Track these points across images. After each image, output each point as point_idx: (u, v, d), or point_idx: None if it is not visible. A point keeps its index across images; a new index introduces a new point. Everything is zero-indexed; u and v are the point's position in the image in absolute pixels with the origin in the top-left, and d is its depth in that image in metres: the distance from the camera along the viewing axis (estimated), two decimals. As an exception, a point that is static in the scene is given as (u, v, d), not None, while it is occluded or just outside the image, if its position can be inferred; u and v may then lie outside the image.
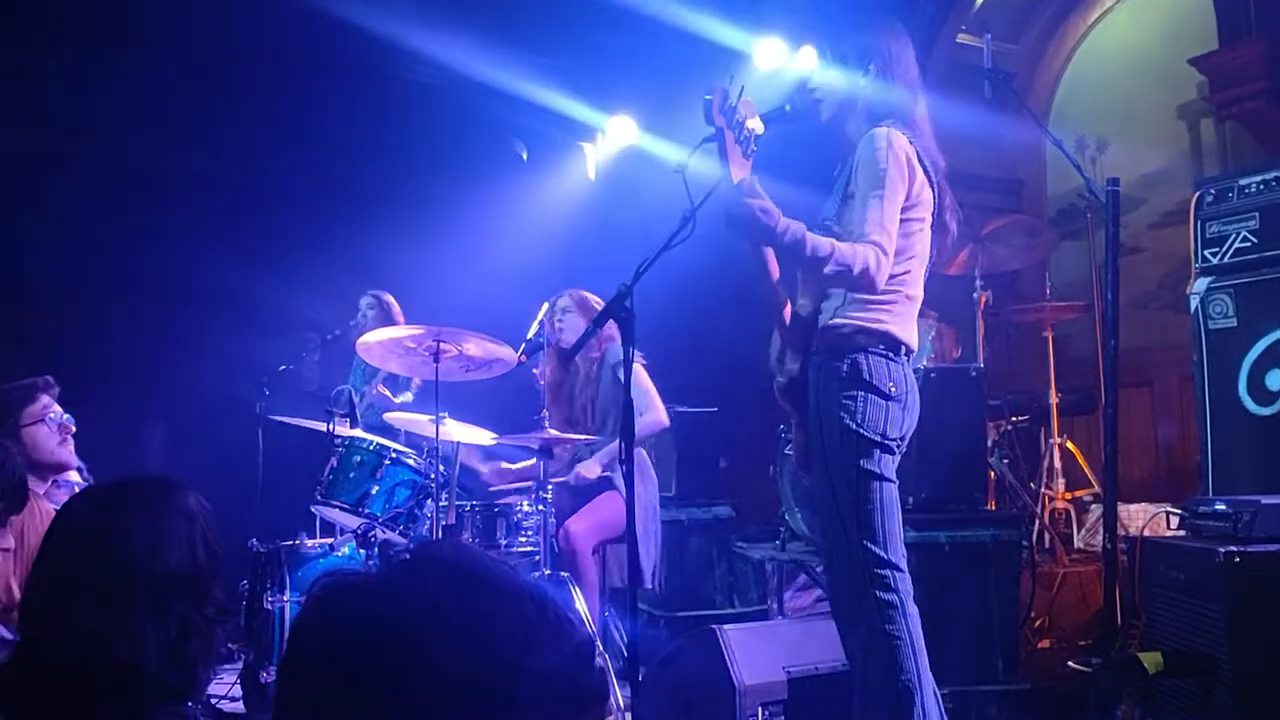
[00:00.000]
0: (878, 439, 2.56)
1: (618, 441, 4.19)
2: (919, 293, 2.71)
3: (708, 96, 2.44)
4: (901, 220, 2.59)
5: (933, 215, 2.69)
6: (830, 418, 2.59)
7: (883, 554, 2.53)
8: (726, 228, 2.49)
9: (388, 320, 5.27)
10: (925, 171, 2.65)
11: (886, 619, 2.51)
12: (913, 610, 2.55)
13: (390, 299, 5.52)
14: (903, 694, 2.47)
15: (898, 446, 2.62)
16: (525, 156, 6.92)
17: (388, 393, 5.27)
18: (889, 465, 2.59)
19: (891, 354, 2.62)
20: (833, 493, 2.60)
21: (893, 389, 2.59)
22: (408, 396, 5.26)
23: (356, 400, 4.43)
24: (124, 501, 1.52)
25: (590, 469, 4.33)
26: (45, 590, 1.49)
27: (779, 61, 5.59)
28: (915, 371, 2.93)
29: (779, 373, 2.79)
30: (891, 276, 2.58)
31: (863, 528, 2.54)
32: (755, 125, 2.55)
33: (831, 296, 2.69)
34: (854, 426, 2.55)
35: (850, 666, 2.67)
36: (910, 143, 2.62)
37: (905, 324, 2.66)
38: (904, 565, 2.57)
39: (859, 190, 2.60)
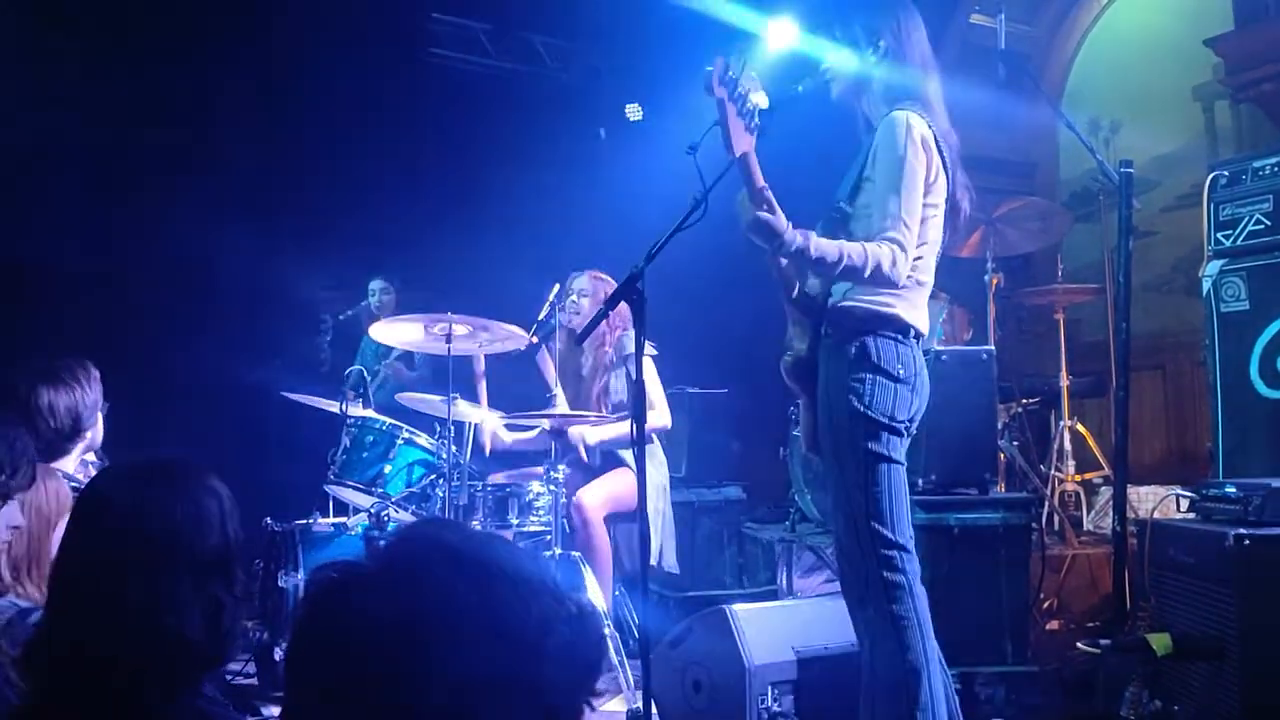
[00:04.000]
0: (886, 421, 2.56)
1: (622, 425, 4.23)
2: (930, 279, 2.70)
3: (708, 68, 2.42)
4: None
5: (946, 198, 2.68)
6: (839, 400, 2.59)
7: (890, 535, 2.54)
8: (745, 233, 2.50)
9: (398, 305, 5.29)
10: (941, 155, 2.63)
11: (894, 599, 2.52)
12: (920, 591, 2.55)
13: (394, 288, 5.56)
14: (910, 674, 2.48)
15: (906, 429, 2.61)
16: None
17: (403, 368, 5.29)
18: (897, 447, 2.59)
19: (900, 337, 2.61)
20: (841, 474, 2.61)
21: (901, 371, 2.58)
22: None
23: (368, 379, 4.46)
24: (159, 479, 1.54)
25: (590, 434, 4.31)
26: (82, 564, 1.50)
27: (791, 43, 5.56)
28: (926, 354, 2.93)
29: (787, 350, 2.79)
30: None
31: (870, 509, 2.54)
32: (759, 99, 2.51)
33: None
34: (862, 409, 2.55)
35: (860, 647, 2.68)
36: (929, 126, 2.61)
37: (915, 308, 2.65)
38: (911, 547, 2.57)
39: (878, 179, 2.59)
